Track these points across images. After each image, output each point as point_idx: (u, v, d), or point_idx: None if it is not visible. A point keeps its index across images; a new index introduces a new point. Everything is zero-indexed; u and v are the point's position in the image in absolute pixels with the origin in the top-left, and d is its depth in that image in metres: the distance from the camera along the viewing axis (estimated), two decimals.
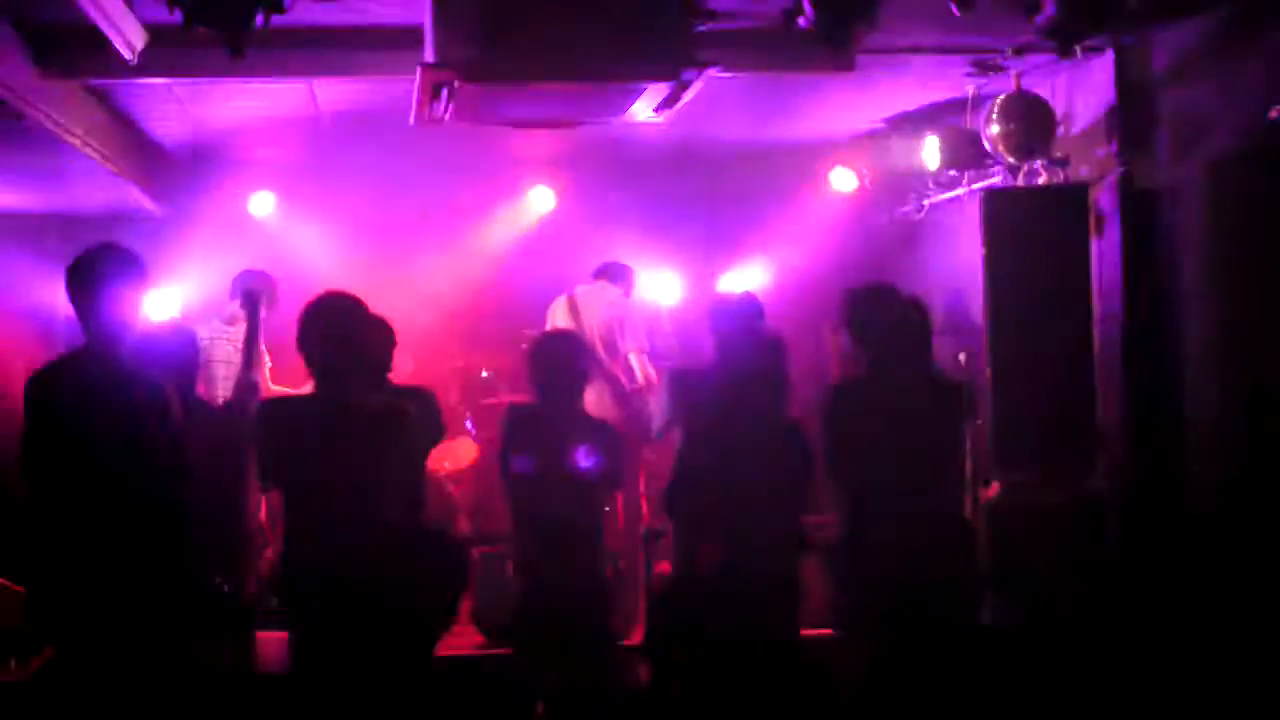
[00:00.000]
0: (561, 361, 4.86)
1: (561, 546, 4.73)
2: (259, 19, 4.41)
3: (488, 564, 5.97)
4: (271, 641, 4.39)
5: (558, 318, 7.05)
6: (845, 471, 4.67)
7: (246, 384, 5.20)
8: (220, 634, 4.03)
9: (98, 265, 3.91)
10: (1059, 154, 6.08)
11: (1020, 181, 6.21)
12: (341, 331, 4.37)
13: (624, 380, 6.94)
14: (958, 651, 4.59)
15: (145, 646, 3.69)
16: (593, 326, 6.91)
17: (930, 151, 6.83)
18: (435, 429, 5.25)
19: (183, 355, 4.51)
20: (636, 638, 5.37)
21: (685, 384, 4.94)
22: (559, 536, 4.72)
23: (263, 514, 5.34)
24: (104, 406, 3.79)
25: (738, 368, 4.72)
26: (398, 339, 5.04)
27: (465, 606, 6.42)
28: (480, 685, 4.97)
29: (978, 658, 4.70)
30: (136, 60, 5.39)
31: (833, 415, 4.68)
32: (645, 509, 6.70)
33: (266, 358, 6.36)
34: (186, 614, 3.76)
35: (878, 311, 4.70)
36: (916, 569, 4.45)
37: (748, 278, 8.21)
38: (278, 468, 4.44)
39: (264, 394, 5.58)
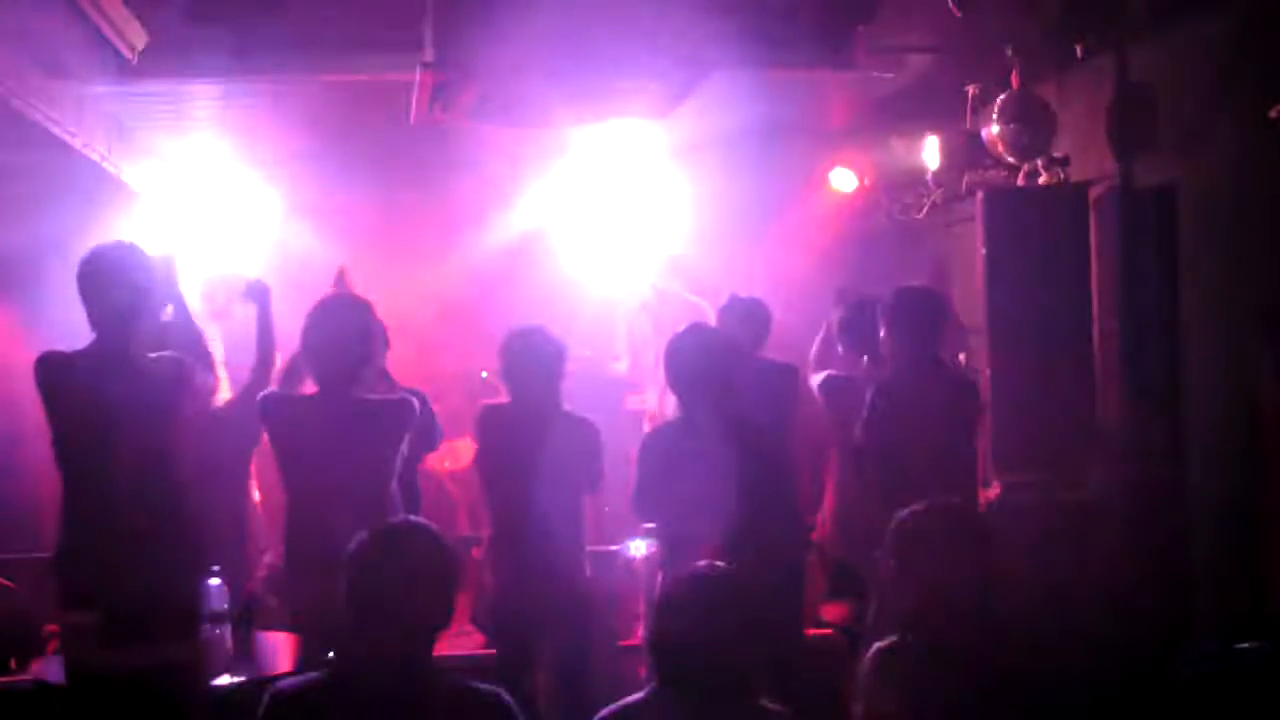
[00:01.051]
0: (532, 357, 4.77)
1: (537, 547, 4.68)
2: (257, 18, 4.42)
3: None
4: (271, 640, 4.39)
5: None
6: (877, 467, 4.78)
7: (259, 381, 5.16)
8: (220, 630, 4.01)
9: (110, 263, 3.91)
10: (1059, 154, 6.08)
11: (1020, 181, 6.21)
12: (348, 332, 4.39)
13: None
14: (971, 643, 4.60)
15: (146, 642, 3.68)
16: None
17: (930, 151, 6.84)
18: (434, 430, 5.25)
19: (197, 351, 4.47)
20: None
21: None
22: (535, 536, 4.67)
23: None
24: (112, 404, 3.79)
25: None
26: (390, 342, 5.04)
27: (465, 607, 6.44)
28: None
29: (979, 656, 4.70)
30: (136, 61, 5.40)
31: (871, 412, 4.79)
32: None
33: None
34: (188, 609, 3.76)
35: (919, 313, 4.84)
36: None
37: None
38: (280, 466, 4.45)
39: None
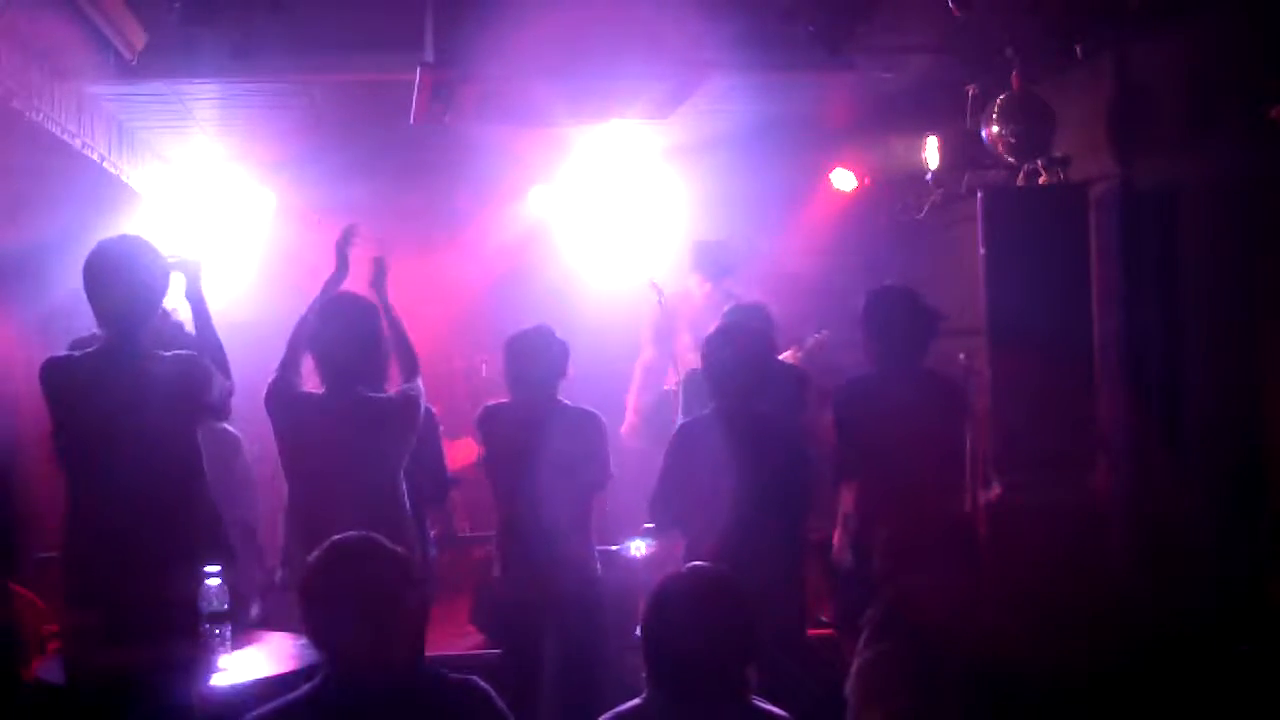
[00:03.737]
0: (536, 356, 4.78)
1: (545, 544, 4.67)
2: (257, 19, 4.41)
3: (488, 564, 5.96)
4: (272, 639, 4.38)
5: None
6: (854, 468, 4.77)
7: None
8: (220, 630, 4.01)
9: (116, 259, 3.86)
10: (1059, 154, 6.08)
11: (1020, 181, 6.20)
12: (355, 332, 4.39)
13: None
14: (958, 652, 4.59)
15: (146, 642, 3.67)
16: None
17: (930, 151, 6.84)
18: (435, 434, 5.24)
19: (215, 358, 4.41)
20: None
21: (694, 385, 4.98)
22: (543, 533, 4.67)
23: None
24: (119, 402, 3.76)
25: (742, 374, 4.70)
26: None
27: (465, 607, 6.44)
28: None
29: (978, 659, 4.70)
30: (136, 61, 5.40)
31: (843, 412, 4.78)
32: None
33: None
34: (188, 609, 3.75)
35: (894, 313, 4.83)
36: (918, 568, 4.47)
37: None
38: (285, 464, 4.45)
39: None
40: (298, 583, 2.84)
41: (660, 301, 7.38)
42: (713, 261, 7.04)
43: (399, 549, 2.89)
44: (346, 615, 2.75)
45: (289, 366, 4.51)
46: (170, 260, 4.02)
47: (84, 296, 3.89)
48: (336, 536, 2.87)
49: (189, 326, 4.28)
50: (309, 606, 2.80)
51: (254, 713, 2.82)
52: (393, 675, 2.78)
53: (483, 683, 2.88)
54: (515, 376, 4.79)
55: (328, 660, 2.81)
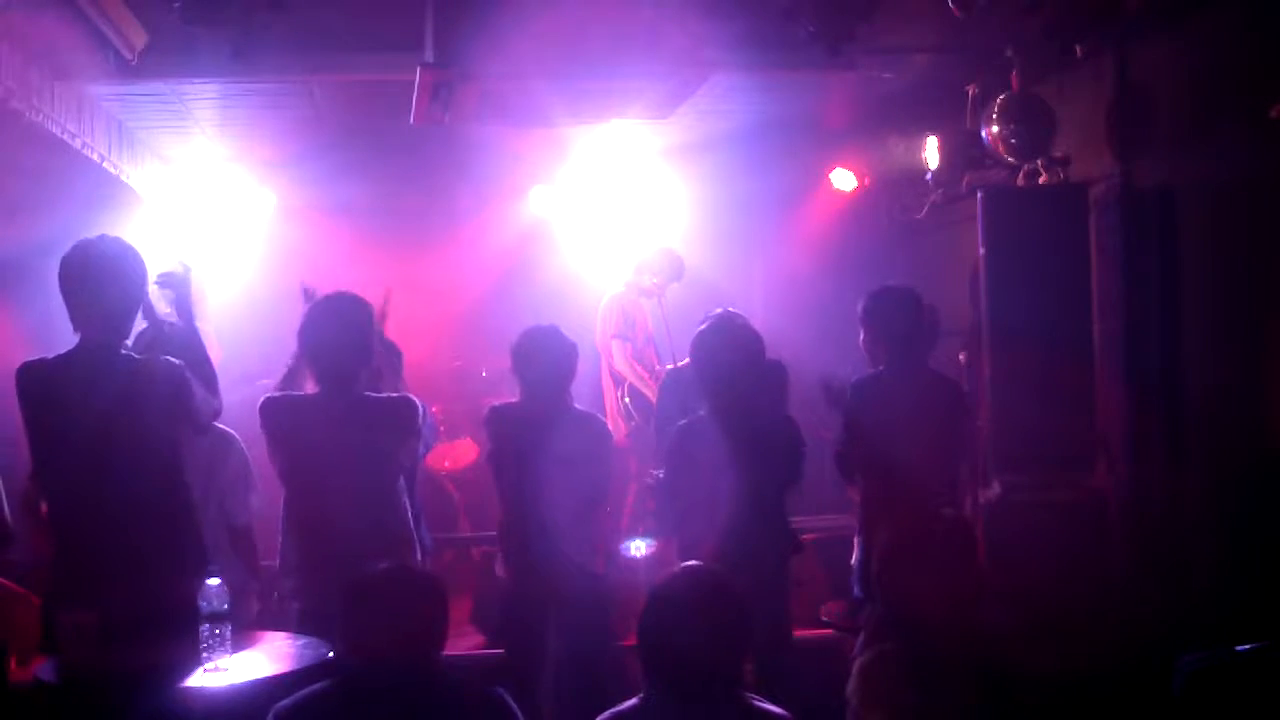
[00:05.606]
0: (546, 355, 4.78)
1: (549, 543, 4.67)
2: (257, 19, 4.41)
3: (488, 563, 5.97)
4: (273, 640, 4.39)
5: None
6: (860, 466, 4.78)
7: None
8: (219, 630, 4.00)
9: (93, 258, 3.82)
10: (1059, 154, 6.08)
11: (1020, 181, 6.20)
12: (350, 331, 4.39)
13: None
14: (958, 652, 4.60)
15: (145, 642, 3.67)
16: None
17: (930, 151, 6.84)
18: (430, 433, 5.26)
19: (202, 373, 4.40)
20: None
21: (681, 383, 4.97)
22: (547, 532, 4.68)
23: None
24: (105, 405, 3.74)
25: (731, 368, 4.70)
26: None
27: (465, 607, 6.45)
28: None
29: (978, 659, 4.70)
30: (136, 61, 5.40)
31: (851, 411, 4.79)
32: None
33: None
34: (186, 610, 3.74)
35: (898, 314, 4.83)
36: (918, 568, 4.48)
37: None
38: (282, 468, 4.44)
39: None
40: (338, 596, 3.02)
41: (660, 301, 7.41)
42: (676, 269, 7.44)
43: (430, 572, 3.00)
44: (385, 635, 2.93)
45: (287, 380, 4.55)
46: (158, 278, 4.01)
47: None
48: (379, 567, 3.04)
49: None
50: (345, 623, 2.98)
51: (281, 703, 2.89)
52: (419, 675, 2.92)
53: (508, 696, 2.97)
54: (526, 377, 4.79)
55: (361, 659, 2.95)
